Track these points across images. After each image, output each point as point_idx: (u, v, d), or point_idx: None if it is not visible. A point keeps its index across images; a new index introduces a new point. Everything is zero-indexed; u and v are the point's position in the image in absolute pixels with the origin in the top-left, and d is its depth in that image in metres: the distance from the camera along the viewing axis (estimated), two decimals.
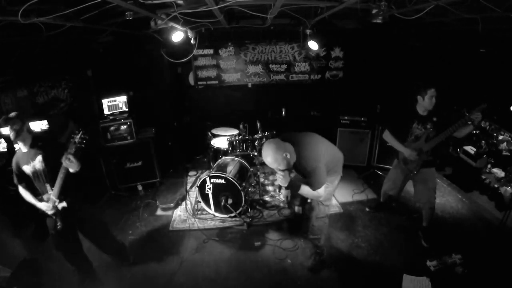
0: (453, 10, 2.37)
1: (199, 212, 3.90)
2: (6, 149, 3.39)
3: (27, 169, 2.38)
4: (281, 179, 2.27)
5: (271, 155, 2.13)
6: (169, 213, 3.94)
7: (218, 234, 3.48)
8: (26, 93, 3.62)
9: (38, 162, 2.38)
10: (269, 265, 2.99)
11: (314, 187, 2.29)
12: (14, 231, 3.17)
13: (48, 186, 2.38)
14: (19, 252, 3.12)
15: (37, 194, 2.44)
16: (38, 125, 3.56)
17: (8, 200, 3.16)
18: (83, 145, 2.32)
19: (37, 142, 2.42)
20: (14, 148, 3.36)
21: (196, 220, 3.75)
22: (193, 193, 4.28)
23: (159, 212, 3.99)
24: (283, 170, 2.23)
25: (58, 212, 2.40)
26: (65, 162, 2.27)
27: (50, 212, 2.38)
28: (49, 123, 3.63)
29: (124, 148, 4.29)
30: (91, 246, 2.80)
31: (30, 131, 2.39)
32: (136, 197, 4.36)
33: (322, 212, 2.77)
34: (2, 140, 3.39)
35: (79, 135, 2.30)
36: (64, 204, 2.40)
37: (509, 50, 3.41)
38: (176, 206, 4.06)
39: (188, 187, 4.60)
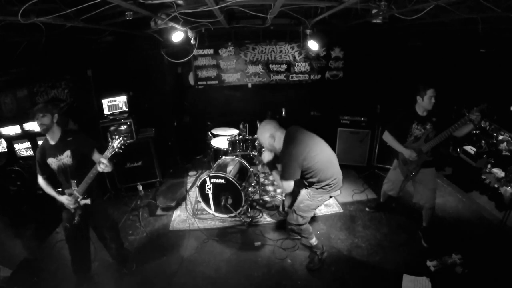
0: (453, 10, 2.38)
1: (199, 212, 3.90)
2: (6, 149, 3.40)
3: (53, 162, 2.38)
4: (265, 154, 2.63)
5: (260, 133, 2.54)
6: (169, 213, 3.94)
7: (218, 234, 3.48)
8: (26, 93, 3.62)
9: (66, 157, 2.38)
10: (269, 265, 2.99)
11: (280, 176, 2.50)
12: (14, 231, 3.17)
13: (73, 182, 2.38)
14: (19, 252, 3.12)
15: (57, 187, 2.46)
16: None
17: (8, 200, 3.17)
18: (121, 150, 2.34)
19: (66, 136, 2.42)
20: (14, 148, 3.37)
21: (196, 220, 3.75)
22: (193, 193, 4.28)
23: (159, 212, 3.99)
24: (268, 149, 2.59)
25: (79, 208, 2.42)
26: (99, 167, 2.28)
27: (72, 207, 2.39)
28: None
29: (124, 148, 4.28)
30: (91, 246, 2.80)
31: (59, 123, 2.40)
32: (136, 197, 4.36)
33: (293, 219, 2.77)
34: (2, 140, 3.39)
35: (120, 140, 2.31)
36: (87, 201, 2.42)
37: (509, 50, 3.42)
38: (176, 206, 4.06)
39: (188, 187, 4.60)
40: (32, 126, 3.81)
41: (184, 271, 2.94)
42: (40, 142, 2.53)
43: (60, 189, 2.46)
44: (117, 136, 2.32)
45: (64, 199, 2.39)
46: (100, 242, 2.81)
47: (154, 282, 2.83)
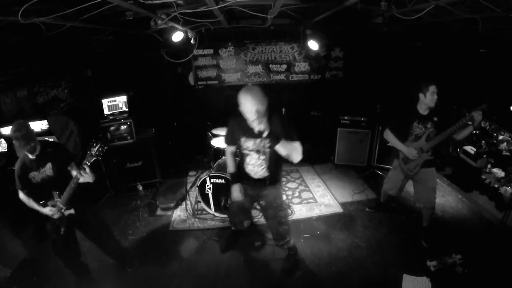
0: (453, 10, 2.38)
1: (199, 212, 3.90)
2: (6, 149, 3.39)
3: (36, 175, 2.34)
4: (262, 123, 2.15)
5: (258, 95, 2.22)
6: (169, 213, 3.94)
7: (218, 234, 3.47)
8: (26, 93, 3.63)
9: (48, 169, 2.35)
10: (269, 265, 2.99)
11: (295, 138, 2.27)
12: (14, 231, 3.17)
13: (55, 194, 2.35)
14: (19, 252, 3.12)
15: (40, 200, 2.41)
16: (38, 125, 3.56)
17: (8, 200, 3.16)
18: (100, 157, 2.30)
19: (46, 148, 2.38)
20: (14, 148, 3.37)
21: (196, 220, 3.75)
22: (193, 193, 4.28)
23: (159, 212, 3.99)
24: (260, 115, 2.16)
25: (63, 218, 2.39)
26: (80, 175, 2.23)
27: (55, 217, 2.35)
28: (49, 123, 3.64)
29: (124, 148, 4.29)
30: (91, 246, 2.80)
31: (35, 138, 2.33)
32: (136, 197, 4.36)
33: (284, 216, 2.76)
34: (2, 140, 3.39)
35: (97, 147, 2.26)
36: (71, 211, 2.39)
37: (509, 50, 3.42)
38: (176, 206, 4.06)
39: (188, 187, 4.60)
40: (32, 126, 3.80)
41: (184, 271, 2.94)
42: (48, 149, 2.49)
43: (43, 201, 2.40)
44: (94, 144, 2.27)
45: (47, 210, 2.34)
46: (98, 247, 2.80)
47: (154, 282, 2.83)
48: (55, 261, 2.99)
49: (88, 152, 2.26)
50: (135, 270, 2.94)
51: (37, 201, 2.39)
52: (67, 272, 2.68)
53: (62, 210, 2.35)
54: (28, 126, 2.26)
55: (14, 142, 2.19)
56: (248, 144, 2.40)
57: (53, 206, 2.35)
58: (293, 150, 2.24)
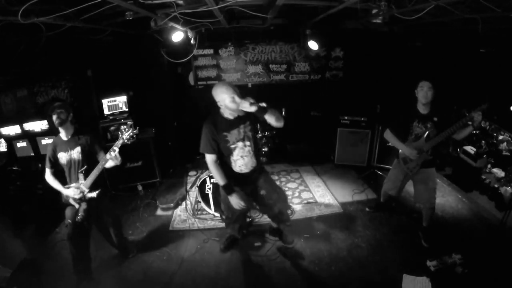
0: (453, 10, 2.38)
1: (199, 212, 3.90)
2: (6, 149, 3.40)
3: (63, 156, 2.51)
4: (248, 99, 2.30)
5: (228, 83, 2.38)
6: (169, 213, 3.94)
7: (218, 234, 3.47)
8: (26, 93, 3.64)
9: (76, 153, 2.51)
10: (269, 265, 2.99)
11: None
12: (14, 231, 3.17)
13: (81, 176, 2.48)
14: (19, 252, 3.12)
15: (64, 183, 2.55)
16: (38, 125, 3.57)
17: (8, 200, 3.17)
18: (129, 142, 2.46)
19: (79, 133, 2.57)
20: (14, 148, 3.38)
21: (196, 220, 3.75)
22: (193, 193, 4.28)
23: (159, 212, 3.99)
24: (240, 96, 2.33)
25: (84, 201, 2.49)
26: (109, 155, 2.39)
27: (77, 197, 2.45)
28: (49, 123, 3.64)
29: (124, 148, 4.26)
30: (92, 247, 2.80)
31: (73, 122, 2.55)
32: (136, 197, 4.36)
33: (286, 194, 2.95)
34: (2, 140, 3.40)
35: (129, 132, 2.43)
36: (94, 194, 2.49)
37: (509, 50, 3.42)
38: (176, 206, 4.06)
39: (188, 187, 4.60)
40: (32, 126, 3.82)
41: (184, 271, 2.94)
42: (43, 141, 2.60)
43: (67, 185, 2.55)
44: (126, 128, 2.45)
45: (70, 191, 2.46)
46: (100, 232, 2.90)
47: (154, 282, 2.83)
48: (55, 261, 3.00)
49: (120, 135, 2.43)
50: (133, 268, 2.94)
51: (61, 183, 2.54)
52: (67, 271, 2.68)
53: (85, 193, 2.46)
54: (65, 104, 2.53)
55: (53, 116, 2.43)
56: (233, 136, 2.44)
57: (77, 188, 2.47)
58: (278, 114, 2.31)
